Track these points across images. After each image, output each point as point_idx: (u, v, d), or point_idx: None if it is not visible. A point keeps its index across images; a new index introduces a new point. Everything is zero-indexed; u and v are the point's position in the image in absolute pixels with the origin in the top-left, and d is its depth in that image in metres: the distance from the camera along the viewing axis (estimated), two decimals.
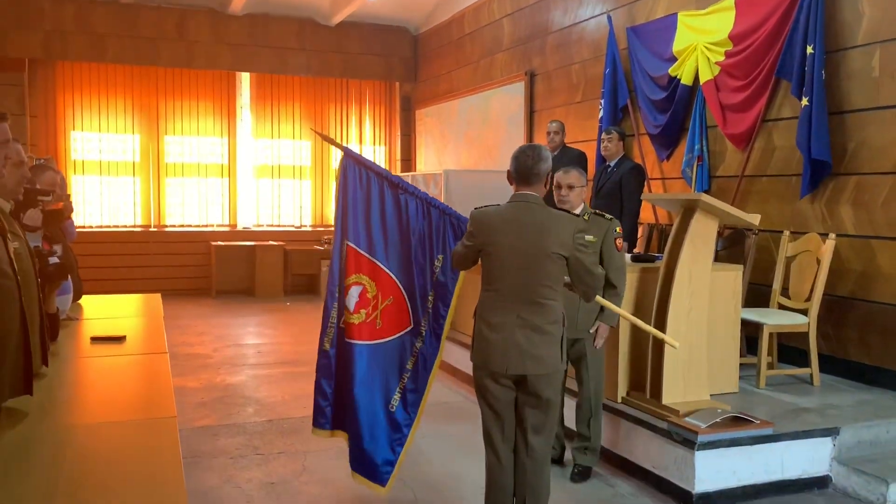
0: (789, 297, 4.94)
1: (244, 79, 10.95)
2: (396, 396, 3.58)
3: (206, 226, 10.84)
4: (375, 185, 3.62)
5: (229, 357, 6.83)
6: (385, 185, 3.63)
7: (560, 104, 7.89)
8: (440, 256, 3.61)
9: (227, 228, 10.95)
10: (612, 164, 5.99)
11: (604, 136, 6.02)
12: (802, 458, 3.89)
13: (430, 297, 3.60)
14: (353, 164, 3.64)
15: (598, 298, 3.36)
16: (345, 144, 3.57)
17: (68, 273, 3.56)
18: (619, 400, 4.29)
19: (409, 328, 3.61)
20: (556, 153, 6.50)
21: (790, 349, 5.07)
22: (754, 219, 4.17)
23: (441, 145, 10.67)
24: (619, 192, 5.83)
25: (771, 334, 4.90)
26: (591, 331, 3.89)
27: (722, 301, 4.44)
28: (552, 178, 3.22)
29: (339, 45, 11.01)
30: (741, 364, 4.92)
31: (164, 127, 10.55)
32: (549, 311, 2.97)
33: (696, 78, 5.96)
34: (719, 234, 5.56)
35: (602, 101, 6.93)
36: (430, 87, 11.11)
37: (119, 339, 3.79)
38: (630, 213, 5.75)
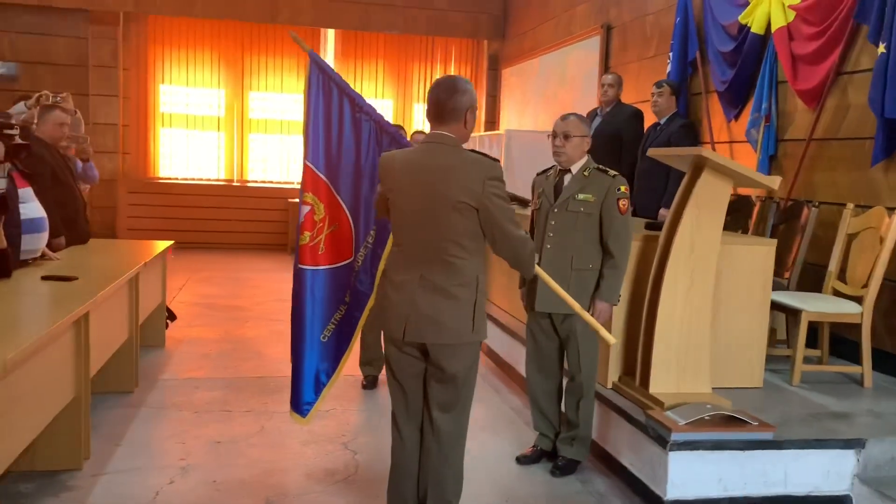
0: (846, 282, 4.17)
1: (329, 36, 10.84)
2: (330, 327, 3.22)
3: (287, 182, 10.89)
4: (336, 100, 3.20)
5: (266, 312, 6.74)
6: (345, 101, 3.21)
7: (632, 59, 7.18)
8: None
9: None
10: (662, 121, 5.32)
11: (654, 89, 5.36)
12: (814, 472, 3.23)
13: (371, 233, 3.25)
14: (318, 72, 3.21)
15: (538, 270, 2.86)
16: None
17: (6, 207, 3.47)
18: (609, 385, 3.77)
19: (348, 259, 3.26)
20: (609, 109, 5.89)
21: (848, 343, 4.30)
22: (772, 182, 3.49)
23: (522, 107, 10.13)
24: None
25: (824, 324, 4.18)
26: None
27: (746, 280, 3.78)
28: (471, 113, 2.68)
29: (425, 1, 10.64)
30: (780, 357, 4.26)
31: (249, 83, 10.64)
32: (457, 272, 2.55)
33: (769, 26, 5.16)
34: (777, 205, 4.83)
35: (670, 55, 6.19)
36: (516, 45, 10.54)
37: (69, 279, 3.70)
38: (677, 178, 5.08)
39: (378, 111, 3.28)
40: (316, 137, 3.21)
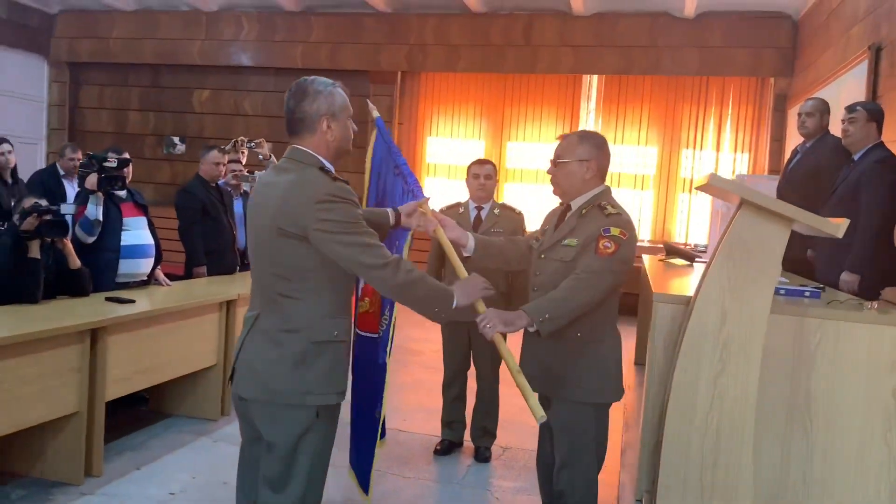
0: None
1: (591, 81, 10.40)
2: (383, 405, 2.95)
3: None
4: (387, 162, 3.14)
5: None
6: (391, 163, 3.12)
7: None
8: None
9: None
10: (856, 156, 3.98)
11: (844, 114, 4.04)
12: None
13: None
14: (381, 140, 3.23)
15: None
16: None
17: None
18: None
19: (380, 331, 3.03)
20: (810, 143, 4.63)
21: None
22: (834, 228, 2.28)
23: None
24: (856, 195, 3.86)
25: None
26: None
27: (851, 382, 2.55)
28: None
29: (697, 38, 9.65)
30: None
31: (508, 133, 10.67)
32: (285, 314, 2.15)
33: None
34: None
35: None
36: (801, 81, 8.97)
37: (127, 301, 3.93)
38: (867, 228, 3.74)
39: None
40: (373, 196, 3.17)
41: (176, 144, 11.64)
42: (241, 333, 2.28)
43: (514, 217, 4.07)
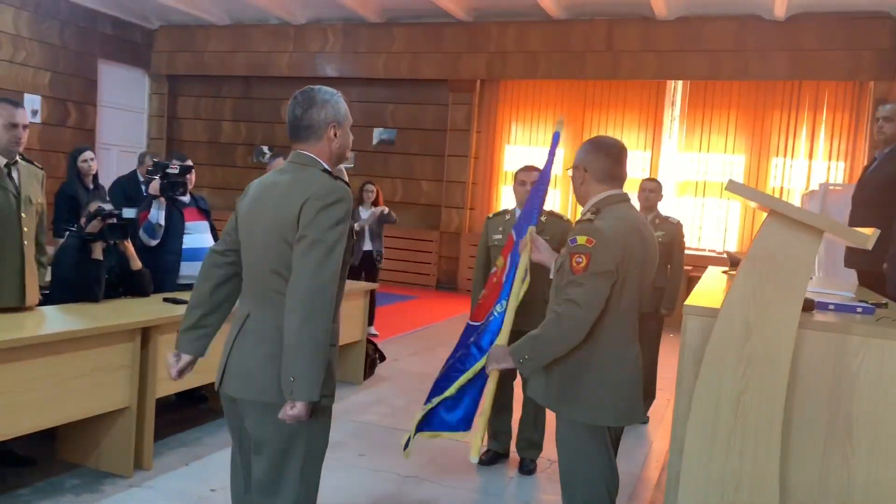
0: None
1: (675, 87, 10.10)
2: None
3: None
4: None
5: None
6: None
7: None
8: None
9: None
10: (882, 151, 3.71)
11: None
12: None
13: (503, 303, 3.14)
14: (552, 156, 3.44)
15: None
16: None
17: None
18: None
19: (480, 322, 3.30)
20: (888, 150, 4.33)
21: None
22: (863, 240, 2.09)
23: None
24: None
25: None
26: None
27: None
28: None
29: (788, 41, 9.22)
30: None
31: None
32: (278, 312, 2.12)
33: None
34: None
35: None
36: None
37: (184, 303, 4.07)
38: None
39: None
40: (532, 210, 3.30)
41: (265, 153, 12.06)
42: (229, 336, 2.26)
43: (561, 224, 3.98)
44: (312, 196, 2.08)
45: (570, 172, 2.62)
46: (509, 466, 4.12)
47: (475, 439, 2.67)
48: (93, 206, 3.98)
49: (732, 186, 2.19)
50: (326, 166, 2.21)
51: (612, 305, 2.39)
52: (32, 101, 10.44)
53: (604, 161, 2.55)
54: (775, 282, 2.24)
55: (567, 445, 2.48)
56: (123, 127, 12.28)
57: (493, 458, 4.14)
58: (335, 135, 2.22)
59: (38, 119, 10.52)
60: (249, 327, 2.20)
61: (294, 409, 2.02)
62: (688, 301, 2.70)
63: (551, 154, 3.42)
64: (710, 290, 3.23)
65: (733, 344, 2.28)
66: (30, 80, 10.45)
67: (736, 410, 2.28)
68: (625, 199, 2.54)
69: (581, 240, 2.37)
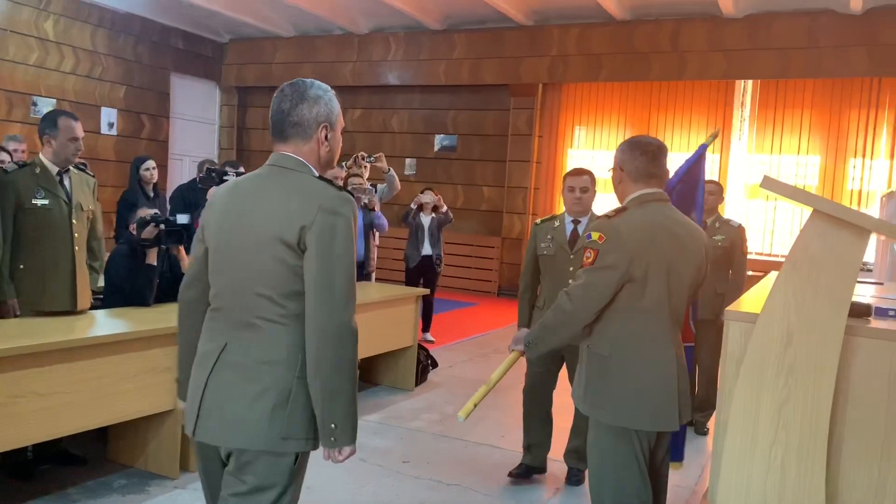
0: None
1: (744, 87, 9.75)
2: None
3: None
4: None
5: None
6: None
7: None
8: None
9: None
10: None
11: None
12: None
13: None
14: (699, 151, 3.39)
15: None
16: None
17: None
18: None
19: None
20: None
21: None
22: None
23: None
24: None
25: None
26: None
27: None
28: None
29: (865, 36, 8.78)
30: None
31: None
32: (266, 341, 1.87)
33: None
34: None
35: None
36: None
37: None
38: None
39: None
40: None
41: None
42: (200, 373, 1.95)
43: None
44: (322, 209, 1.83)
45: (608, 172, 2.54)
46: (555, 478, 4.00)
47: (468, 403, 2.68)
48: (143, 213, 4.08)
49: (767, 183, 2.06)
50: (315, 173, 1.96)
51: (629, 303, 2.30)
52: (109, 115, 10.88)
53: (640, 160, 2.47)
54: (818, 285, 2.09)
55: (594, 448, 2.38)
56: (195, 138, 12.66)
57: (525, 471, 3.96)
58: (326, 137, 1.96)
59: (114, 131, 10.96)
60: (228, 360, 1.90)
61: (342, 455, 1.88)
62: (730, 306, 2.55)
63: (690, 160, 3.28)
64: (760, 294, 3.06)
65: (773, 351, 2.14)
66: (106, 94, 10.89)
67: (777, 421, 2.13)
68: (659, 198, 2.44)
69: (594, 235, 2.36)
